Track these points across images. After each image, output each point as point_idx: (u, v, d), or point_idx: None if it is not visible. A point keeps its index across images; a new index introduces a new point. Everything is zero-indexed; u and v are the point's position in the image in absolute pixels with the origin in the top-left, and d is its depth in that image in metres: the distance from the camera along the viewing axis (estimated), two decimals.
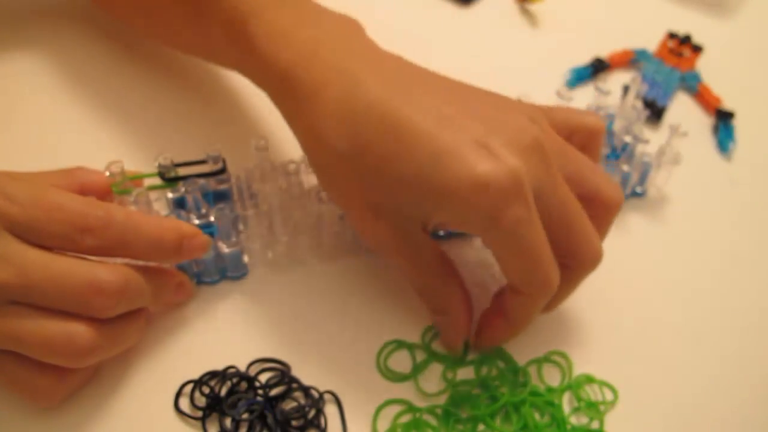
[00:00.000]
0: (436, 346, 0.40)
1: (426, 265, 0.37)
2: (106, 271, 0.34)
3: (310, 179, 0.44)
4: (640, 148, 0.46)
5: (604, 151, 0.46)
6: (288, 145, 0.47)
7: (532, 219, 0.33)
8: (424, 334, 0.40)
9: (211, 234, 0.40)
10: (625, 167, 0.46)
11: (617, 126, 0.48)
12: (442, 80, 0.38)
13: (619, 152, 0.47)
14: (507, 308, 0.37)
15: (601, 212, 0.38)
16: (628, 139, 0.46)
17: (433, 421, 0.37)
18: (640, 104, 0.47)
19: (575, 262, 0.37)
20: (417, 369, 0.39)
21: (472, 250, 0.44)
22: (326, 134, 0.35)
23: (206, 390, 0.37)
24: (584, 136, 0.40)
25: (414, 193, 0.34)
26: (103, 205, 0.35)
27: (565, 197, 0.35)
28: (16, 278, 0.32)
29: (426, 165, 0.33)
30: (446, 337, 0.39)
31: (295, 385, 0.38)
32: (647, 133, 0.47)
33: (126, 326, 0.36)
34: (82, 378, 0.36)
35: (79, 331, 0.33)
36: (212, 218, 0.40)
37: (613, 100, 0.49)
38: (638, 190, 0.48)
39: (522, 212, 0.33)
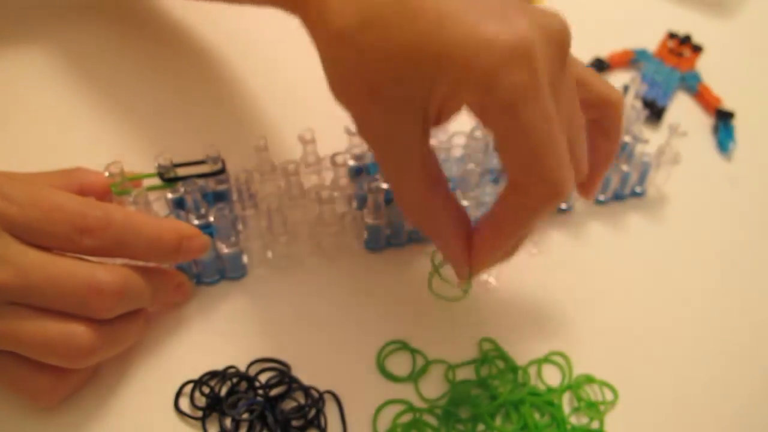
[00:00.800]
0: (436, 350, 0.40)
1: (410, 167, 0.34)
2: (105, 272, 0.34)
3: (310, 179, 0.44)
4: (639, 148, 0.46)
5: None
6: (288, 145, 0.47)
7: (539, 94, 0.30)
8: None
9: (211, 234, 0.40)
10: (625, 167, 0.46)
11: None
12: None
13: (619, 152, 0.47)
14: (499, 210, 0.34)
15: (612, 112, 0.37)
16: (627, 139, 0.46)
17: (433, 421, 0.37)
18: (639, 104, 0.47)
19: (527, 184, 0.32)
20: (417, 373, 0.39)
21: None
22: (333, 11, 0.33)
23: (206, 390, 0.37)
24: (601, 107, 0.37)
25: (413, 63, 0.31)
26: (102, 206, 0.35)
27: (575, 99, 0.34)
28: (15, 278, 0.32)
29: (429, 30, 0.31)
30: (450, 262, 0.37)
31: (295, 385, 0.38)
32: (647, 133, 0.47)
33: (125, 327, 0.36)
34: (81, 378, 0.36)
35: (78, 331, 0.33)
36: (211, 219, 0.40)
37: None
38: (638, 190, 0.48)
39: (525, 79, 0.30)
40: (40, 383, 0.34)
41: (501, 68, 0.30)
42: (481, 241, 0.35)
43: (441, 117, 0.33)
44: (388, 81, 0.32)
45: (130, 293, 0.35)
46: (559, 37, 0.32)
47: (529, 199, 0.32)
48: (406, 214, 0.36)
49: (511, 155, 0.31)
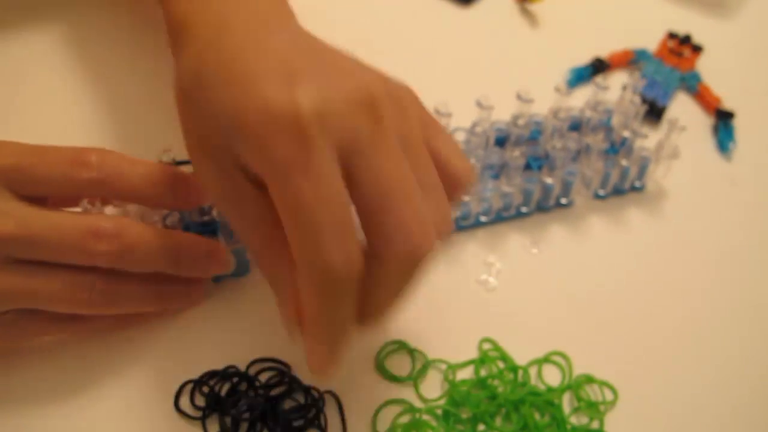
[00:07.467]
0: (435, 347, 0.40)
1: (250, 219, 0.32)
2: (105, 218, 0.35)
3: None
4: (638, 143, 0.46)
5: (604, 146, 0.46)
6: None
7: (313, 170, 0.28)
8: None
9: (213, 232, 0.40)
10: (624, 162, 0.46)
11: (615, 121, 0.48)
12: (323, 46, 0.33)
13: (618, 147, 0.47)
14: (302, 295, 0.31)
15: (447, 185, 0.32)
16: (626, 134, 0.47)
17: (433, 422, 0.37)
18: (638, 99, 0.47)
19: (381, 248, 0.29)
20: (417, 373, 0.39)
21: None
22: (182, 68, 0.34)
23: (206, 390, 0.37)
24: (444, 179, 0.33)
25: (220, 121, 0.31)
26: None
27: (388, 167, 0.29)
28: (17, 229, 0.33)
29: (236, 94, 0.30)
30: (284, 319, 0.34)
31: (295, 385, 0.38)
32: (648, 132, 0.47)
33: (140, 287, 0.37)
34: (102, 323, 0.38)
35: (89, 279, 0.34)
36: (214, 214, 0.40)
37: (612, 95, 0.49)
38: (637, 184, 0.48)
39: (294, 153, 0.28)
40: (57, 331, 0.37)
41: (267, 137, 0.28)
42: (307, 327, 0.32)
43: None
44: (209, 136, 0.32)
45: (132, 242, 0.35)
46: (381, 103, 0.30)
47: (310, 285, 0.29)
48: (257, 264, 0.35)
49: (289, 234, 0.29)
